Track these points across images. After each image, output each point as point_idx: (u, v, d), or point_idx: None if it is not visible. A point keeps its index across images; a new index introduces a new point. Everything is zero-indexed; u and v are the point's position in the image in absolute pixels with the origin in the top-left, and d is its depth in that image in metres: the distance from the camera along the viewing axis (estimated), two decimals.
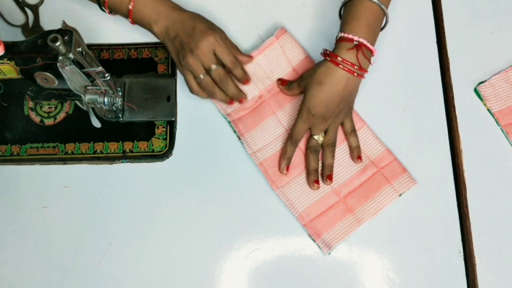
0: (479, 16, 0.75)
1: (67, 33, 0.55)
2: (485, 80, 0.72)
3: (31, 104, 0.72)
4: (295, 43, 0.73)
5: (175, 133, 0.71)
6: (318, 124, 0.66)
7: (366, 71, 0.64)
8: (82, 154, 0.70)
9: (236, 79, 0.70)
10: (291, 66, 0.73)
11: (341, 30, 0.64)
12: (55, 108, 0.72)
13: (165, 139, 0.70)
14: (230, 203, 0.68)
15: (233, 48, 0.68)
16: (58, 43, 0.53)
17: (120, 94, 0.70)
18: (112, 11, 0.67)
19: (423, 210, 0.67)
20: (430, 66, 0.73)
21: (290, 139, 0.67)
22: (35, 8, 0.76)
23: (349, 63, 0.62)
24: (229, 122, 0.71)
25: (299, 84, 0.69)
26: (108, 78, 0.62)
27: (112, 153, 0.70)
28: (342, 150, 0.70)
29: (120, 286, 0.66)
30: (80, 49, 0.57)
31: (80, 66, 0.58)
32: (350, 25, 0.63)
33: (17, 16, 0.76)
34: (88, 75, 0.61)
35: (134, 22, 0.67)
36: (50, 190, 0.69)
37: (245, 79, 0.69)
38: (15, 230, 0.68)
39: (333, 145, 0.68)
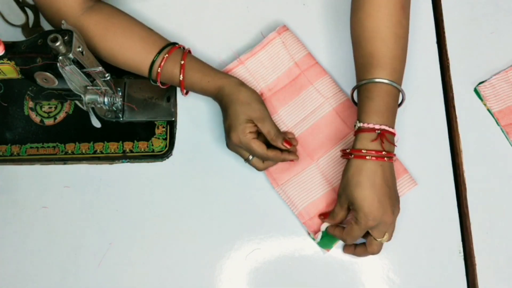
0: (479, 16, 0.75)
1: (67, 33, 0.55)
2: (485, 80, 0.72)
3: (31, 104, 0.72)
4: (297, 40, 0.73)
5: (175, 133, 0.71)
6: (380, 227, 0.60)
7: (394, 154, 0.61)
8: (82, 154, 0.70)
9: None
10: (293, 61, 0.73)
11: (360, 119, 0.62)
12: (55, 108, 0.72)
13: (165, 139, 0.70)
14: (230, 203, 0.68)
15: (274, 132, 0.65)
16: (58, 43, 0.53)
17: (120, 94, 0.70)
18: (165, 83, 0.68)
19: (423, 210, 0.67)
20: (430, 66, 0.73)
21: (345, 240, 0.63)
22: (35, 8, 0.76)
23: (376, 152, 0.59)
24: None
25: (341, 203, 0.63)
26: (108, 78, 0.62)
27: (112, 153, 0.70)
28: (343, 147, 0.69)
29: (120, 286, 0.66)
30: (80, 49, 0.57)
31: (80, 66, 0.58)
32: (369, 114, 0.61)
33: (17, 16, 0.76)
34: (88, 75, 0.61)
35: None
36: (50, 190, 0.69)
37: (289, 144, 0.66)
38: (15, 230, 0.68)
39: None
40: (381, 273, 0.66)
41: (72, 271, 0.66)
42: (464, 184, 0.68)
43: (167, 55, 0.65)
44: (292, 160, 0.67)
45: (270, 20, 0.76)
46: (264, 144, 0.64)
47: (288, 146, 0.65)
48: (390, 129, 0.61)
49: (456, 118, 0.71)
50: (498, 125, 0.71)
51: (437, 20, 0.76)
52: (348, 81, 0.72)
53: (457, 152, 0.70)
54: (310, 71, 0.72)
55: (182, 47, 0.68)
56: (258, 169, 0.66)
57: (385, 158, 0.60)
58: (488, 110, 0.71)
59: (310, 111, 0.71)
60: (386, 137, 0.60)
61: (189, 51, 0.68)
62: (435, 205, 0.68)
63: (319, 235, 0.66)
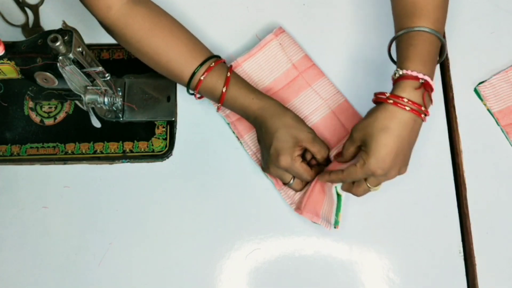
0: (479, 16, 0.75)
1: (67, 33, 0.55)
2: (485, 80, 0.72)
3: (31, 104, 0.72)
4: (294, 42, 0.73)
5: (175, 133, 0.71)
6: (380, 178, 0.59)
7: (428, 113, 0.58)
8: (82, 154, 0.70)
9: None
10: (290, 63, 0.73)
11: (402, 66, 0.58)
12: (55, 108, 0.72)
13: (165, 139, 0.70)
14: (230, 203, 0.68)
15: (322, 151, 0.64)
16: (58, 43, 0.53)
17: (120, 94, 0.70)
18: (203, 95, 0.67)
19: (423, 210, 0.67)
20: None
21: (341, 177, 0.61)
22: (35, 8, 0.76)
23: (416, 104, 0.56)
24: (228, 124, 0.71)
25: (353, 139, 0.59)
26: (108, 78, 0.62)
27: (112, 153, 0.70)
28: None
29: (120, 286, 0.66)
30: (80, 49, 0.57)
31: (80, 66, 0.58)
32: (413, 61, 0.57)
33: (17, 16, 0.76)
34: (88, 75, 0.61)
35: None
36: (50, 190, 0.69)
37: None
38: (15, 230, 0.68)
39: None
40: (381, 273, 0.66)
41: (72, 271, 0.66)
42: (464, 184, 0.68)
43: (213, 64, 0.63)
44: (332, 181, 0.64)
45: (269, 20, 0.76)
46: (308, 167, 0.64)
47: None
48: (432, 83, 0.57)
49: (456, 118, 0.71)
50: (498, 125, 0.71)
51: None
52: (347, 83, 0.72)
53: (457, 152, 0.70)
54: (308, 72, 0.72)
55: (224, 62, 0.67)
56: (297, 191, 0.67)
57: (422, 115, 0.57)
58: (488, 110, 0.71)
59: (309, 113, 0.71)
60: (428, 90, 0.57)
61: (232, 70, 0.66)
62: (435, 205, 0.68)
63: (321, 219, 0.65)
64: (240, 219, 0.68)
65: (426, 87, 0.57)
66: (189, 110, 0.72)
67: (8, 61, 0.57)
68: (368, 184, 0.60)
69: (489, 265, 0.65)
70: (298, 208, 0.67)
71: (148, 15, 0.62)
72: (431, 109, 0.71)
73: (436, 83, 0.72)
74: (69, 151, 0.70)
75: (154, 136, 0.71)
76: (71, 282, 0.66)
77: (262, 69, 0.72)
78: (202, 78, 0.63)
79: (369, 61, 0.73)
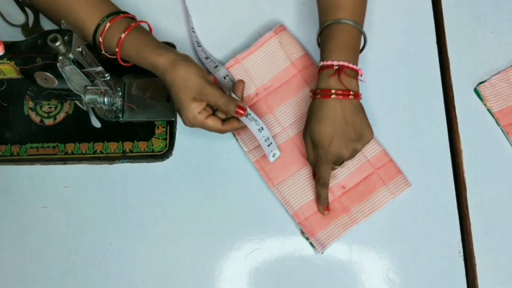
0: (479, 16, 0.75)
1: (67, 33, 0.55)
2: (485, 80, 0.72)
3: (31, 104, 0.72)
4: (294, 40, 0.73)
5: (175, 133, 0.71)
6: (340, 157, 0.62)
7: (351, 91, 0.62)
8: (82, 154, 0.70)
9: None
10: (289, 61, 0.73)
11: (321, 59, 0.64)
12: (55, 108, 0.72)
13: (165, 139, 0.70)
14: (230, 203, 0.68)
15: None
16: (58, 43, 0.53)
17: (120, 94, 0.70)
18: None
19: (423, 210, 0.67)
20: (430, 66, 0.73)
21: (319, 182, 0.65)
22: (35, 8, 0.76)
23: (333, 91, 0.61)
24: None
25: (307, 142, 0.65)
26: (108, 78, 0.62)
27: (112, 153, 0.70)
28: None
29: (120, 286, 0.66)
30: (80, 49, 0.57)
31: (80, 66, 0.58)
32: (329, 52, 0.62)
33: (17, 16, 0.76)
34: (88, 75, 0.61)
35: (125, 62, 0.65)
36: (50, 190, 0.69)
37: (243, 110, 0.64)
38: (15, 230, 0.68)
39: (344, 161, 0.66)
40: (381, 273, 0.66)
41: (72, 271, 0.66)
42: (464, 184, 0.68)
43: (109, 24, 0.62)
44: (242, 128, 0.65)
45: (269, 19, 0.76)
46: (219, 119, 0.64)
47: (243, 112, 0.63)
48: (350, 65, 0.61)
49: (456, 118, 0.71)
50: (498, 125, 0.71)
51: (437, 20, 0.76)
52: None
53: (457, 152, 0.70)
54: (306, 71, 0.72)
55: (132, 17, 0.65)
56: (222, 133, 0.65)
57: (350, 96, 0.61)
58: (488, 110, 0.71)
59: (306, 111, 0.71)
60: (344, 72, 0.61)
61: (140, 25, 0.64)
62: (435, 205, 0.68)
63: (314, 238, 0.66)
64: (240, 219, 0.68)
65: (341, 71, 0.61)
66: None
67: (8, 61, 0.57)
68: (334, 166, 0.66)
69: (489, 265, 0.65)
70: (297, 216, 0.67)
71: None
72: (431, 109, 0.71)
73: (436, 83, 0.72)
74: (69, 151, 0.70)
75: (154, 136, 0.71)
76: (71, 282, 0.66)
77: (261, 66, 0.72)
78: (101, 40, 0.62)
79: (367, 61, 0.73)
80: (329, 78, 0.62)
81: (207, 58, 0.72)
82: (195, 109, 0.62)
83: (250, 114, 0.65)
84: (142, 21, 0.65)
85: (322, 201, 0.66)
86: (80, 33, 0.61)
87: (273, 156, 0.66)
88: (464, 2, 0.76)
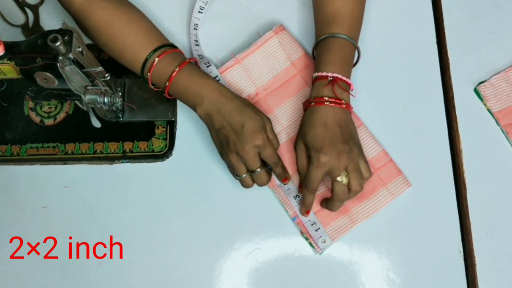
0: (479, 16, 0.75)
1: (67, 33, 0.55)
2: (485, 80, 0.72)
3: (31, 104, 0.72)
4: (294, 40, 0.73)
5: (175, 133, 0.71)
6: (334, 163, 0.60)
7: (343, 101, 0.63)
8: (82, 154, 0.70)
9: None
10: (289, 61, 0.73)
11: (315, 70, 0.65)
12: (55, 108, 0.72)
13: (165, 139, 0.70)
14: (230, 203, 0.68)
15: (276, 142, 0.65)
16: (58, 43, 0.53)
17: (120, 94, 0.70)
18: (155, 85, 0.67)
19: (423, 210, 0.67)
20: (430, 66, 0.73)
21: (307, 187, 0.63)
22: (35, 8, 0.76)
23: (326, 98, 0.62)
24: None
25: (297, 148, 0.65)
26: (108, 78, 0.62)
27: (112, 153, 0.70)
28: None
29: (120, 286, 0.66)
30: (80, 49, 0.57)
31: (80, 66, 0.58)
32: (324, 64, 0.64)
33: (17, 16, 0.76)
34: (88, 75, 0.61)
35: (170, 96, 0.66)
36: (50, 190, 0.69)
37: (284, 177, 0.67)
38: (15, 230, 0.68)
39: (359, 191, 0.62)
40: (381, 273, 0.66)
41: (72, 271, 0.66)
42: (464, 184, 0.68)
43: (157, 59, 0.63)
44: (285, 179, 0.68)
45: (268, 19, 0.76)
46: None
47: (286, 182, 0.67)
48: (343, 78, 0.63)
49: (456, 118, 0.71)
50: (498, 125, 0.71)
51: (437, 20, 0.76)
52: None
53: (457, 152, 0.70)
54: (306, 71, 0.72)
55: (180, 52, 0.66)
56: (248, 187, 0.65)
57: (342, 105, 0.63)
58: (488, 110, 0.71)
59: None
60: (338, 84, 0.63)
61: (194, 61, 0.66)
62: (435, 205, 0.68)
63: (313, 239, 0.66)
64: (240, 219, 0.68)
65: (335, 82, 0.63)
66: (189, 110, 0.72)
67: (8, 61, 0.57)
68: (335, 178, 0.61)
69: (489, 265, 0.65)
70: (296, 216, 0.67)
71: (107, 7, 0.64)
72: (431, 109, 0.71)
73: (436, 83, 0.72)
74: (69, 151, 0.70)
75: (154, 136, 0.71)
76: (71, 282, 0.66)
77: (261, 66, 0.72)
78: (156, 60, 0.63)
79: (367, 61, 0.73)
80: (323, 87, 0.63)
81: (201, 57, 0.72)
82: (266, 133, 0.63)
83: (289, 189, 0.67)
84: (192, 59, 0.66)
85: (306, 206, 0.65)
86: (131, 59, 0.65)
87: (323, 242, 0.65)
88: (464, 2, 0.76)
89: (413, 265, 0.66)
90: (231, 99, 0.63)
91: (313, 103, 0.64)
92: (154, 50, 0.64)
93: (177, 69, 0.63)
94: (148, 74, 0.64)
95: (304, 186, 0.64)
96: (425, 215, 0.67)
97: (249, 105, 0.64)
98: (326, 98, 0.62)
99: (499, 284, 0.65)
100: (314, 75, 0.65)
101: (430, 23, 0.75)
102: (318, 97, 0.63)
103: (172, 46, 0.66)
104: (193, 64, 0.66)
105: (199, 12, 0.74)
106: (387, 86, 0.73)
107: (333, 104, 0.62)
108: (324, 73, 0.63)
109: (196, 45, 0.73)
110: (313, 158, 0.62)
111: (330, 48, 0.65)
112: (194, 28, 0.74)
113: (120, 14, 0.65)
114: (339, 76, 0.63)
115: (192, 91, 0.63)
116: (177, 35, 0.75)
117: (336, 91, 0.63)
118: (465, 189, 0.68)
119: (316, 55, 0.67)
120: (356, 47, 0.66)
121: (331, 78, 0.63)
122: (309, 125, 0.63)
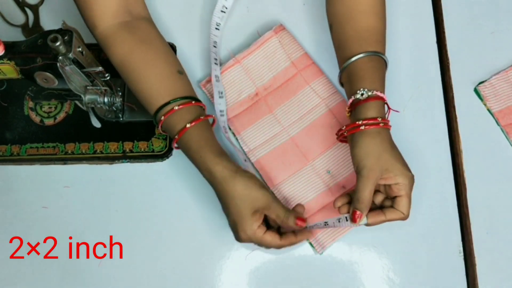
0: (479, 16, 0.75)
1: (67, 33, 0.55)
2: (485, 80, 0.72)
3: (31, 104, 0.72)
4: (294, 40, 0.73)
5: None
6: (408, 187, 0.58)
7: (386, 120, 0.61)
8: (82, 154, 0.70)
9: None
10: (289, 61, 0.73)
11: (367, 87, 0.60)
12: (55, 108, 0.72)
13: (165, 139, 0.70)
14: None
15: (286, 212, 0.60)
16: (58, 43, 0.53)
17: (120, 94, 0.70)
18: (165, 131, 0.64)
19: (423, 210, 0.67)
20: (430, 66, 0.73)
21: (358, 204, 0.58)
22: (35, 8, 0.76)
23: (384, 120, 0.60)
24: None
25: (365, 183, 0.58)
26: (108, 78, 0.62)
27: (112, 153, 0.70)
28: (342, 147, 0.69)
29: (120, 286, 0.66)
30: (80, 49, 0.57)
31: (80, 66, 0.58)
32: (377, 82, 0.61)
33: (17, 16, 0.76)
34: (88, 75, 0.61)
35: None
36: (50, 190, 0.69)
37: (300, 226, 0.61)
38: (15, 230, 0.68)
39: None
40: (381, 273, 0.66)
41: (72, 271, 0.66)
42: (464, 184, 0.68)
43: (177, 107, 0.60)
44: (308, 238, 0.64)
45: (268, 19, 0.76)
46: (276, 233, 0.60)
47: (303, 224, 0.60)
48: (385, 97, 0.61)
49: (456, 118, 0.71)
50: (498, 125, 0.71)
51: (437, 20, 0.76)
52: None
53: (457, 152, 0.70)
54: (306, 71, 0.72)
55: (202, 107, 0.63)
56: (279, 248, 0.61)
57: (390, 126, 0.61)
58: (488, 110, 0.71)
59: (306, 111, 0.71)
60: (389, 106, 0.62)
61: (206, 120, 0.63)
62: (435, 205, 0.68)
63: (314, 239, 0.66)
64: None
65: (386, 104, 0.61)
66: None
67: (8, 61, 0.57)
68: (407, 195, 0.58)
69: (489, 265, 0.65)
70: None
71: (127, 43, 0.62)
72: (431, 109, 0.71)
73: (436, 83, 0.72)
74: (69, 151, 0.70)
75: (154, 136, 0.71)
76: (71, 282, 0.66)
77: (261, 66, 0.72)
78: (162, 118, 0.61)
79: None
80: (382, 108, 0.60)
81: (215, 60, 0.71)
82: (255, 223, 0.58)
83: (309, 225, 0.63)
84: (209, 116, 0.64)
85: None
86: (144, 102, 0.63)
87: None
88: (464, 2, 0.76)
89: (413, 265, 0.66)
90: (231, 197, 0.59)
91: (363, 127, 0.58)
92: (163, 105, 0.61)
93: (189, 125, 0.60)
94: (163, 117, 0.61)
95: (355, 202, 0.59)
96: (425, 215, 0.67)
97: (239, 194, 0.58)
98: (379, 119, 0.59)
99: (499, 284, 0.65)
100: (369, 94, 0.59)
101: (430, 23, 0.75)
102: (372, 118, 0.59)
103: (187, 98, 0.62)
104: (206, 122, 0.63)
105: (216, 29, 0.72)
106: (387, 86, 0.72)
107: (387, 126, 0.60)
108: (379, 93, 0.59)
109: (214, 46, 0.72)
110: (402, 184, 0.57)
111: (378, 66, 0.62)
112: (214, 46, 0.72)
113: (136, 55, 0.62)
114: (384, 96, 0.60)
115: (200, 159, 0.61)
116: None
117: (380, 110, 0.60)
118: (465, 189, 0.68)
119: (361, 70, 0.62)
120: (386, 64, 0.64)
121: (386, 101, 0.60)
122: (382, 150, 0.58)
